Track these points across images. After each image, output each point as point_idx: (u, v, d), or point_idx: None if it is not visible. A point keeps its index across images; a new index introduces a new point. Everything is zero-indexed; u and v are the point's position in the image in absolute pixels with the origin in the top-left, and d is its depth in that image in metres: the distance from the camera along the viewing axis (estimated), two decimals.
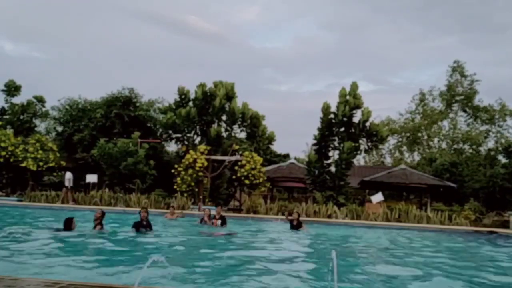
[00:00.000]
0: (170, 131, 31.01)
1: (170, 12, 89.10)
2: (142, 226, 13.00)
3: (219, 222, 15.86)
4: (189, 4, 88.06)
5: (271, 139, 33.56)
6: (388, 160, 55.46)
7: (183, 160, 27.77)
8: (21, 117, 35.09)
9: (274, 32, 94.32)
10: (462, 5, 73.97)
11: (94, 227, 12.47)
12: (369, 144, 28.72)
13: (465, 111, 51.45)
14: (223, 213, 17.70)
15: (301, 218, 17.16)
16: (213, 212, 16.90)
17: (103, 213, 12.74)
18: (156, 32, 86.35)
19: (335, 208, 24.45)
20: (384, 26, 79.86)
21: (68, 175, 26.67)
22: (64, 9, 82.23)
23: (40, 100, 36.41)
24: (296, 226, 16.29)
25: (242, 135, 31.42)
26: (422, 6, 76.30)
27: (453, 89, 51.27)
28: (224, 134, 30.39)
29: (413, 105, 54.33)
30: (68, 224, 11.58)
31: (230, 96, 30.15)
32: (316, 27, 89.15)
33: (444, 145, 51.64)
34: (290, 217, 18.28)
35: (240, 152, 28.45)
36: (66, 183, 26.35)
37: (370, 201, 26.94)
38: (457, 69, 51.33)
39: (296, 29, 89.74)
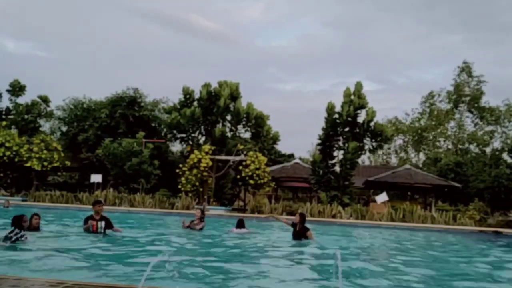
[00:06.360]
0: (175, 131, 31.06)
1: (174, 11, 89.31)
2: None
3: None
4: (193, 3, 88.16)
5: (275, 139, 33.57)
6: (394, 160, 55.33)
7: (188, 160, 27.80)
8: (26, 117, 35.17)
9: (278, 30, 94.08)
10: (467, 4, 73.76)
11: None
12: (373, 144, 28.69)
13: (471, 112, 51.25)
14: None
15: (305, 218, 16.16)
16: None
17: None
18: (160, 31, 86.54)
19: (340, 208, 24.44)
20: (388, 25, 79.67)
21: None
22: (68, 7, 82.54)
23: (45, 100, 36.50)
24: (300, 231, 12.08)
25: (247, 135, 31.44)
26: (427, 5, 76.06)
27: (461, 89, 51.05)
28: (229, 134, 30.40)
29: (422, 105, 54.14)
30: None
31: (234, 96, 30.17)
32: (321, 25, 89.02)
33: (450, 146, 51.47)
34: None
35: (245, 152, 28.45)
36: None
37: (374, 201, 26.94)
38: (465, 69, 51.07)
39: (301, 27, 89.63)
